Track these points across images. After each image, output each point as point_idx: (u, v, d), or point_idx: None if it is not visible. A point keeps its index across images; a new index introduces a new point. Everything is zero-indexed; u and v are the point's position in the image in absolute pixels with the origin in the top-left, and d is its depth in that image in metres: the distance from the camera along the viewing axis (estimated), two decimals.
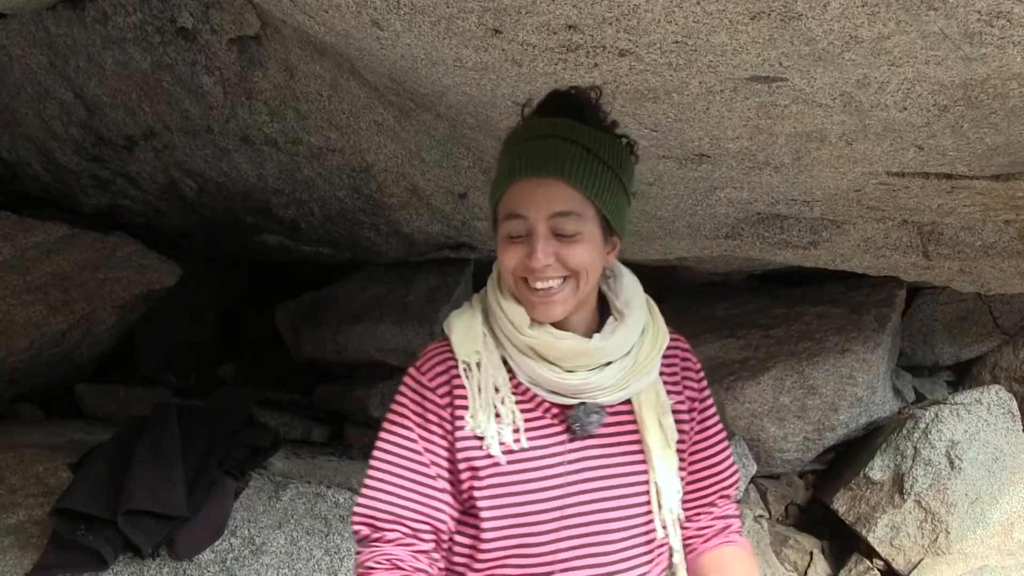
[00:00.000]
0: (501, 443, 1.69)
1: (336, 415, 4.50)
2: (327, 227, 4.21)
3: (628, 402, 1.78)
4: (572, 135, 1.66)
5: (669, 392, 1.84)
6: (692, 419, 1.88)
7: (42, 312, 3.95)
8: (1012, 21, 1.52)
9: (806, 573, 4.36)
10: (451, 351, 1.75)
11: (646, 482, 1.76)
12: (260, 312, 5.24)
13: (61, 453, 3.46)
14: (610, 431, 1.76)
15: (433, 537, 1.72)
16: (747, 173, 2.62)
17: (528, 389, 1.73)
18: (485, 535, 1.71)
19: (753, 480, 4.62)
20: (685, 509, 1.87)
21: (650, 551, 1.77)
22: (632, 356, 1.75)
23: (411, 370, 1.76)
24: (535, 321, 1.70)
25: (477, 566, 1.73)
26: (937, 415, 4.49)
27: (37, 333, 3.95)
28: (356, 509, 1.73)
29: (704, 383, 1.93)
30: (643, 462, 1.76)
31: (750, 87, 1.93)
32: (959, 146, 2.20)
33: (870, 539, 4.35)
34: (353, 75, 2.94)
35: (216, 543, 3.16)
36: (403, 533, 1.70)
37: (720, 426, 1.96)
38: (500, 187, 1.69)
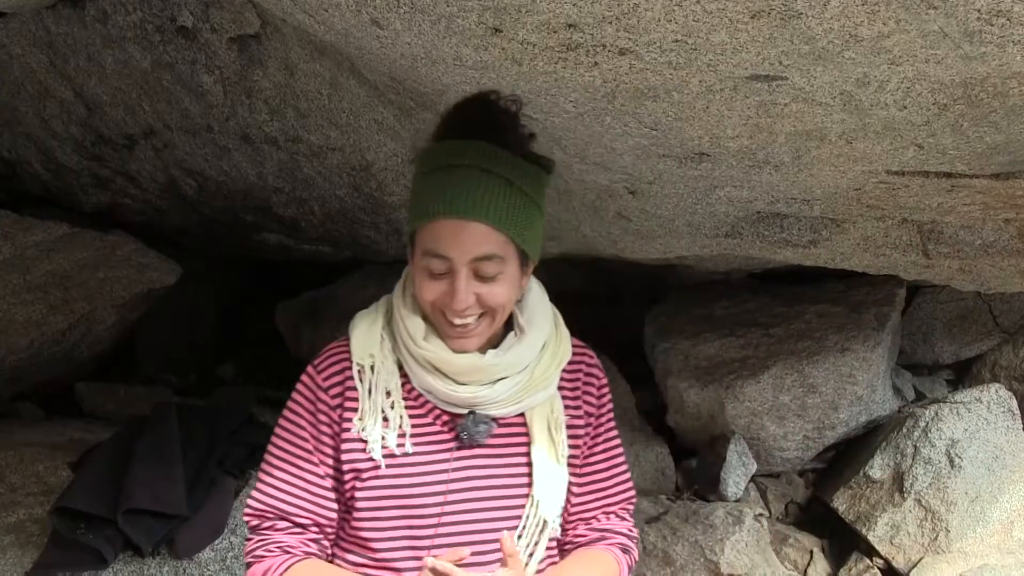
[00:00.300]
0: (384, 447, 1.71)
1: None
2: (327, 226, 4.21)
3: (521, 415, 1.78)
4: (495, 166, 1.64)
5: (567, 407, 1.84)
6: (587, 434, 1.89)
7: (42, 311, 3.95)
8: (1012, 19, 1.52)
9: (806, 572, 4.35)
10: (349, 352, 1.76)
11: (528, 495, 1.78)
12: (260, 311, 5.25)
13: (61, 452, 3.46)
14: (500, 442, 1.77)
15: (319, 532, 1.76)
16: (747, 172, 2.62)
17: (421, 395, 1.75)
18: (368, 534, 1.74)
19: (753, 479, 4.62)
20: (567, 519, 1.88)
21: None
22: (528, 372, 1.75)
23: (309, 368, 1.79)
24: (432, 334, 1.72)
25: (371, 563, 1.76)
26: (937, 414, 4.49)
27: (37, 332, 3.95)
28: (248, 502, 1.78)
29: (605, 399, 1.92)
30: (529, 475, 1.77)
31: (750, 86, 1.93)
32: (959, 145, 2.20)
33: (870, 538, 4.35)
34: (353, 74, 2.94)
35: (216, 542, 3.16)
36: (291, 524, 1.75)
37: (617, 443, 1.95)
38: (420, 218, 1.67)
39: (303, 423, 1.76)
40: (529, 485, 1.77)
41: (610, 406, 1.94)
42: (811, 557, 4.41)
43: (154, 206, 4.38)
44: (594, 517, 1.93)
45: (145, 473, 3.11)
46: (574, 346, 1.87)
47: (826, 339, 4.52)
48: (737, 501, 4.47)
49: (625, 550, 1.92)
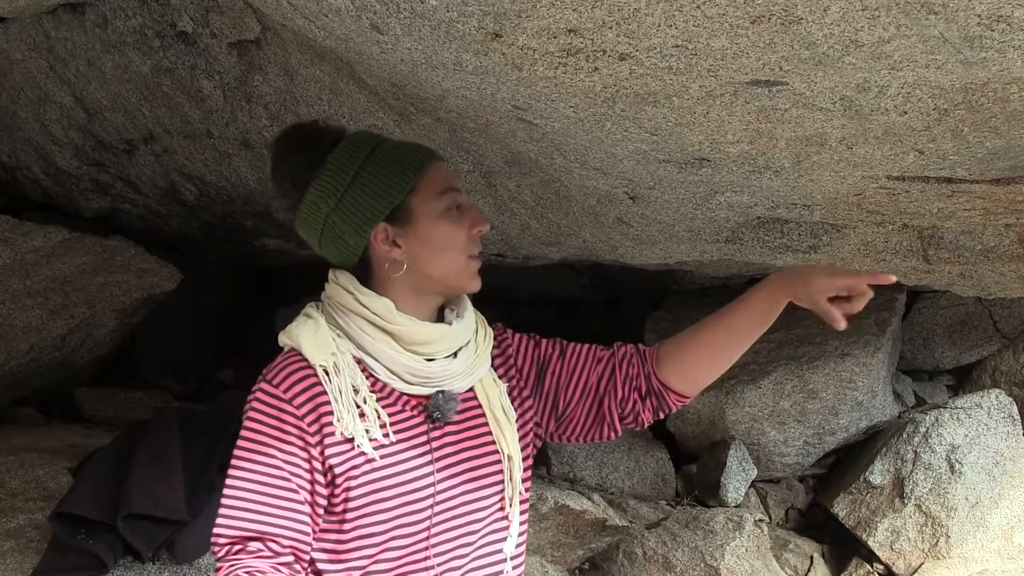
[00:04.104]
0: (372, 440, 1.74)
1: None
2: None
3: (469, 390, 1.88)
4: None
5: (500, 377, 1.96)
6: (531, 392, 1.99)
7: (42, 316, 3.95)
8: (1012, 25, 1.52)
9: None
10: (303, 360, 1.77)
11: (499, 461, 1.87)
12: (260, 316, 5.24)
13: (61, 457, 3.46)
14: (461, 417, 1.86)
15: (293, 551, 1.73)
16: (747, 177, 2.62)
17: (386, 385, 1.80)
18: (362, 531, 1.75)
19: (753, 484, 4.62)
20: (612, 391, 1.97)
21: (506, 524, 1.89)
22: (474, 344, 1.88)
23: (263, 384, 1.77)
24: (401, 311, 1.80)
25: (354, 563, 1.76)
26: (937, 419, 4.49)
27: (37, 337, 3.95)
28: (216, 531, 1.73)
29: (517, 334, 2.03)
30: (493, 443, 1.87)
31: (750, 91, 1.93)
32: (959, 150, 2.20)
33: (870, 543, 4.35)
34: (353, 79, 2.94)
35: None
36: (265, 546, 1.71)
37: (562, 340, 2.06)
38: (417, 170, 1.80)
39: (267, 439, 1.75)
40: (496, 452, 1.87)
41: (529, 335, 2.05)
42: (811, 563, 4.41)
43: (154, 211, 4.38)
44: (612, 354, 2.03)
45: (145, 478, 3.11)
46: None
47: (826, 344, 4.52)
48: (737, 507, 4.47)
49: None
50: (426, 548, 1.77)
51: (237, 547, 1.71)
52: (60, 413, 4.30)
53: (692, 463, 4.75)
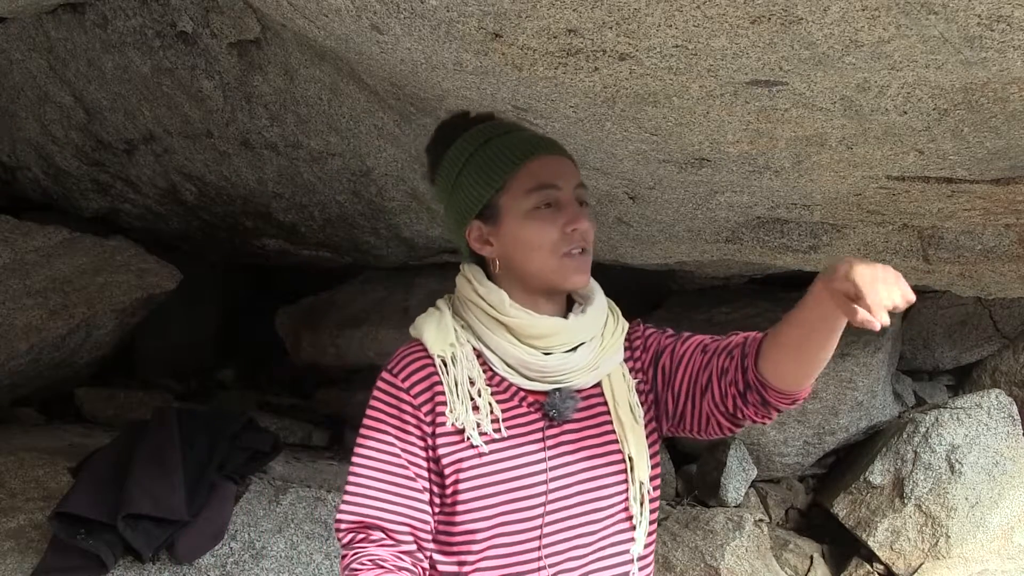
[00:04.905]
0: (482, 434, 1.73)
1: (336, 419, 4.50)
2: (327, 231, 4.21)
3: (596, 386, 1.83)
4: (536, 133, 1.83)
5: (631, 371, 1.89)
6: (651, 386, 1.90)
7: (42, 316, 3.95)
8: (1012, 25, 1.52)
9: None
10: (424, 350, 1.78)
11: (621, 461, 1.81)
12: (260, 316, 5.24)
13: (61, 457, 3.46)
14: (582, 415, 1.81)
15: (414, 539, 1.74)
16: (747, 177, 2.62)
17: (504, 380, 1.78)
18: (468, 527, 1.74)
19: (753, 484, 4.61)
20: (710, 388, 1.83)
21: (632, 526, 1.82)
22: (599, 338, 1.82)
23: (384, 374, 1.78)
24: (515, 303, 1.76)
25: (462, 558, 1.76)
26: (937, 419, 4.49)
27: (37, 337, 3.95)
28: (339, 516, 1.75)
29: (649, 329, 1.95)
30: (615, 443, 1.81)
31: (750, 91, 1.93)
32: (959, 150, 2.20)
33: (870, 543, 4.34)
34: (353, 79, 2.94)
35: (216, 547, 3.16)
36: (386, 534, 1.72)
37: (687, 334, 1.93)
38: (514, 164, 1.76)
39: (387, 428, 1.75)
40: (620, 452, 1.81)
41: (654, 327, 1.96)
42: (811, 562, 4.40)
43: (154, 211, 4.39)
44: (717, 344, 1.87)
45: (145, 478, 3.11)
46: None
47: None
48: (737, 507, 4.46)
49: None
50: (538, 548, 1.75)
51: (360, 536, 1.73)
52: (60, 413, 4.30)
53: (692, 463, 4.75)
